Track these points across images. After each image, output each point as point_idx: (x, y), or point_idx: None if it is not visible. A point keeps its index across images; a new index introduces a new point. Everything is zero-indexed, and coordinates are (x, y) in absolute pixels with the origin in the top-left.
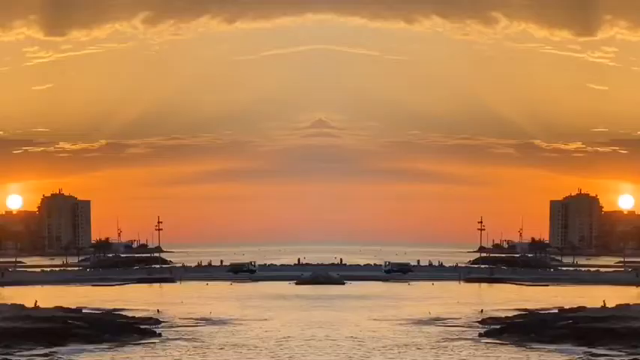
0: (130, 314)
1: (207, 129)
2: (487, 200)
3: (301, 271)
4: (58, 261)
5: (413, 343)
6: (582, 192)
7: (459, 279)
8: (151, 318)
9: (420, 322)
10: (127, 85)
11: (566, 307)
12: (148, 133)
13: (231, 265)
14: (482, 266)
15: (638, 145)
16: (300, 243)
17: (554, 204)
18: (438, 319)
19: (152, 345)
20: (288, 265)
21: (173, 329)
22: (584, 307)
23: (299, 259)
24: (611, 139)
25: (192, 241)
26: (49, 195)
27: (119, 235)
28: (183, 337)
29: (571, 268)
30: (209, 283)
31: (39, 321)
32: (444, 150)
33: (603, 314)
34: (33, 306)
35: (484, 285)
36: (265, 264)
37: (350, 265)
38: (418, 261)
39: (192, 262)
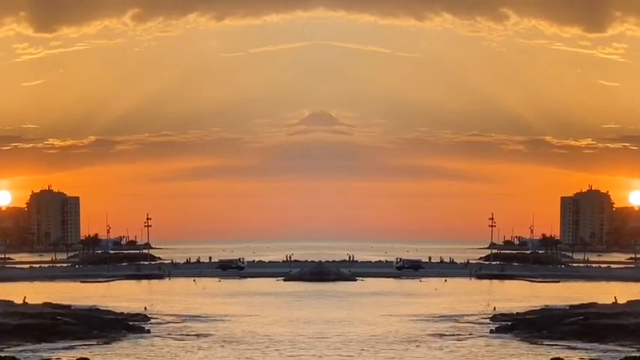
0: (118, 310)
1: (196, 126)
2: (497, 197)
3: (290, 267)
4: (46, 257)
5: (423, 339)
6: (593, 188)
7: (470, 275)
8: (139, 314)
9: (432, 318)
10: (116, 81)
11: (577, 303)
12: (136, 130)
13: (220, 261)
14: (494, 263)
15: None
16: (292, 240)
17: (564, 200)
18: (449, 315)
19: (141, 341)
20: (276, 261)
21: (162, 325)
22: (594, 304)
23: (289, 256)
24: (622, 136)
25: (181, 238)
26: (38, 191)
27: (108, 231)
28: (172, 333)
29: (582, 265)
30: (197, 279)
31: (27, 317)
32: (454, 147)
33: (614, 310)
34: (22, 302)
35: (495, 281)
36: (254, 261)
37: (361, 262)
38: (429, 258)
39: (181, 259)
